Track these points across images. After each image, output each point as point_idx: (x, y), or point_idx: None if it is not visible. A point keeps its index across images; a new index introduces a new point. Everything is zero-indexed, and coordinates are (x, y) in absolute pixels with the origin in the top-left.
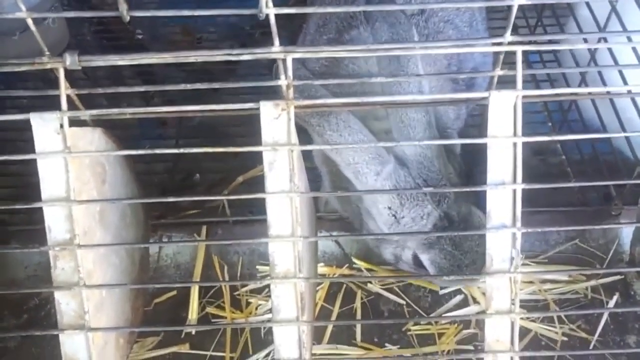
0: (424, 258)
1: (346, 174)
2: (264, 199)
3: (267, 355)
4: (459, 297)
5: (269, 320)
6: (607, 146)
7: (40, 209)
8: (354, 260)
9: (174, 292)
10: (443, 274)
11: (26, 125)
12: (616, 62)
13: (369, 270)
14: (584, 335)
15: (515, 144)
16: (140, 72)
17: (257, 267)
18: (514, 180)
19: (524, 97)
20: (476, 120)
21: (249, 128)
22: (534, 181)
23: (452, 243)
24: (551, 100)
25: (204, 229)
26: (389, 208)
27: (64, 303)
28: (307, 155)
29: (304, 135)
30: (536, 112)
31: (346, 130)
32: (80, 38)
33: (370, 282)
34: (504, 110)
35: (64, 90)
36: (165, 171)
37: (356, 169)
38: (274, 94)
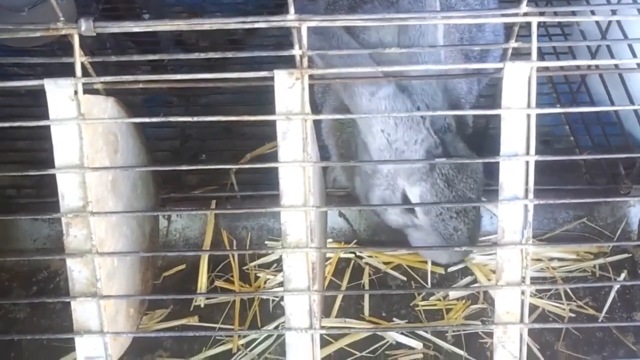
0: (413, 193)
1: (343, 98)
2: (271, 177)
3: (276, 327)
4: (468, 278)
5: (280, 291)
6: (617, 129)
7: (49, 183)
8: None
9: (183, 266)
10: (432, 219)
11: (33, 102)
12: (627, 38)
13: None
14: (591, 312)
15: (529, 116)
16: (147, 53)
17: (266, 242)
18: (527, 152)
19: (537, 70)
20: (488, 102)
21: (257, 108)
22: (540, 169)
23: (445, 179)
24: (562, 82)
25: (213, 203)
26: (382, 131)
27: (76, 270)
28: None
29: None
30: (545, 93)
31: (352, 57)
32: (87, 17)
33: (377, 258)
34: (518, 82)
35: (79, 57)
36: (172, 151)
37: (351, 90)
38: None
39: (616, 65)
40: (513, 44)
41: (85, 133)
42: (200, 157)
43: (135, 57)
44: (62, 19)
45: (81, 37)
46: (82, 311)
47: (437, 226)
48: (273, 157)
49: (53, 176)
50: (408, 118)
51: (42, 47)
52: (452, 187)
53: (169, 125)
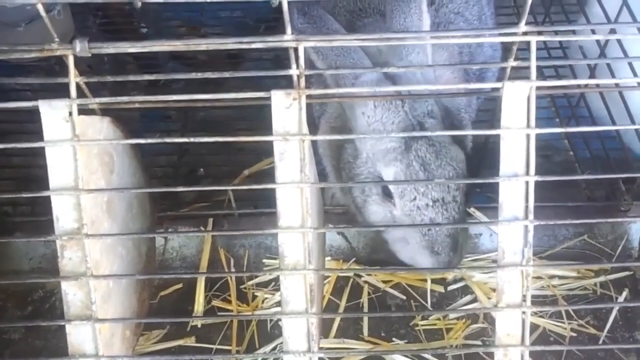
0: (387, 174)
1: (330, 85)
2: (269, 193)
3: (274, 349)
4: (468, 297)
5: (277, 312)
6: (616, 143)
7: (45, 201)
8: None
9: (180, 285)
10: (406, 204)
11: (29, 118)
12: (626, 56)
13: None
14: (592, 331)
15: (528, 136)
16: (145, 67)
17: (264, 260)
18: (527, 172)
19: (537, 89)
20: (487, 116)
21: (254, 123)
22: (540, 184)
23: (421, 162)
24: (560, 96)
25: (210, 221)
26: (363, 113)
27: (71, 293)
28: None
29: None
30: (543, 107)
31: (344, 50)
32: (85, 31)
33: (376, 276)
34: (517, 101)
35: (73, 78)
36: (169, 166)
37: (337, 75)
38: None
39: (616, 84)
40: (512, 63)
41: (80, 154)
42: (198, 171)
43: (131, 77)
44: (56, 40)
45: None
46: (77, 334)
47: (413, 215)
48: (271, 172)
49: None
50: (387, 101)
51: (38, 62)
52: (428, 171)
53: (166, 142)
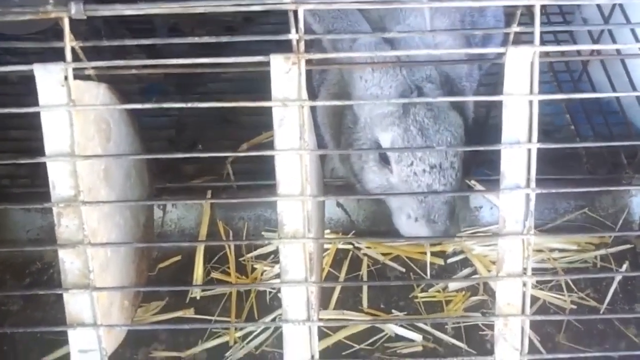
0: (384, 139)
1: (327, 50)
2: (268, 167)
3: (274, 319)
4: (468, 270)
5: (277, 282)
6: (619, 117)
7: (43, 173)
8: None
9: (179, 257)
10: (403, 169)
11: (25, 90)
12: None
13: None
14: (592, 303)
15: (531, 102)
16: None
17: (263, 232)
18: (529, 140)
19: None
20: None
21: (255, 96)
22: (540, 158)
23: (419, 127)
24: (563, 70)
25: (209, 193)
26: (360, 77)
27: (68, 262)
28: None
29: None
30: (546, 82)
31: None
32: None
33: (376, 248)
34: (520, 67)
35: (69, 41)
36: (168, 140)
37: (335, 39)
38: None
39: (618, 51)
40: (515, 28)
41: (76, 120)
42: (197, 146)
43: (128, 42)
44: (51, 1)
45: (74, 23)
46: (75, 303)
47: (409, 181)
48: (270, 146)
49: (47, 167)
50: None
51: (35, 35)
52: (426, 136)
53: (165, 115)
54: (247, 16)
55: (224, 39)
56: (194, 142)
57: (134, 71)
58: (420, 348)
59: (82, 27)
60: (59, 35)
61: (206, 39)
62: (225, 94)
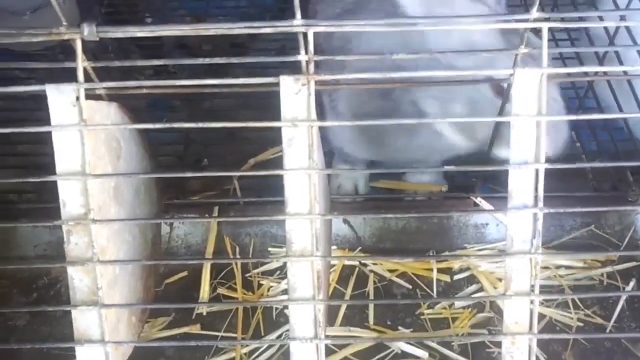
0: None
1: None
2: (275, 183)
3: (280, 336)
4: (474, 287)
5: (285, 299)
6: (624, 134)
7: (50, 189)
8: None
9: (185, 273)
10: None
11: (35, 105)
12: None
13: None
14: (599, 321)
15: (539, 123)
16: (150, 57)
17: (269, 249)
18: (537, 160)
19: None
20: None
21: (261, 113)
22: (546, 175)
23: None
24: (568, 87)
25: (216, 209)
26: None
27: (77, 279)
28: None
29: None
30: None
31: None
32: (89, 21)
33: (382, 265)
34: (528, 89)
35: (81, 62)
36: (175, 155)
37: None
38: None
39: (625, 72)
40: (523, 50)
41: (87, 139)
42: (203, 162)
43: (139, 63)
44: (64, 23)
45: (84, 41)
46: (83, 320)
47: None
48: (276, 162)
49: (54, 181)
50: None
51: (44, 51)
52: None
53: (172, 130)
54: (252, 33)
55: (234, 59)
56: (201, 156)
57: (144, 91)
58: None
59: (91, 43)
60: (67, 51)
61: (217, 60)
62: (233, 110)
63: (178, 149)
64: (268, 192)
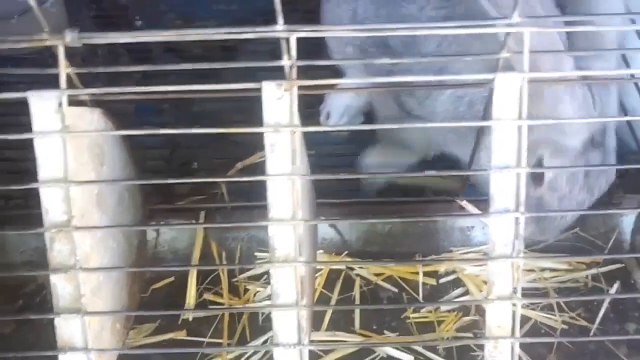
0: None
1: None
2: (263, 187)
3: (265, 341)
4: (460, 290)
5: (267, 305)
6: None
7: (37, 194)
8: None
9: (172, 279)
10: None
11: (20, 110)
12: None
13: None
14: (584, 323)
15: (520, 127)
16: (139, 61)
17: (256, 253)
18: (518, 164)
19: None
20: None
21: (249, 116)
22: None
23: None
24: None
25: (202, 214)
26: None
27: (60, 286)
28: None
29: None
30: None
31: None
32: (78, 24)
33: (368, 269)
34: (509, 93)
35: (64, 68)
36: (162, 159)
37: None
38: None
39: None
40: (505, 54)
41: (69, 146)
42: (192, 165)
43: (122, 69)
44: (46, 29)
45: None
46: (66, 328)
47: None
48: (264, 166)
49: None
50: (582, 97)
51: (32, 55)
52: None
53: (158, 135)
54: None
55: (216, 65)
56: (189, 160)
57: (128, 97)
58: None
59: (80, 47)
60: (56, 55)
61: (199, 65)
62: (224, 113)
63: (165, 152)
64: (257, 196)
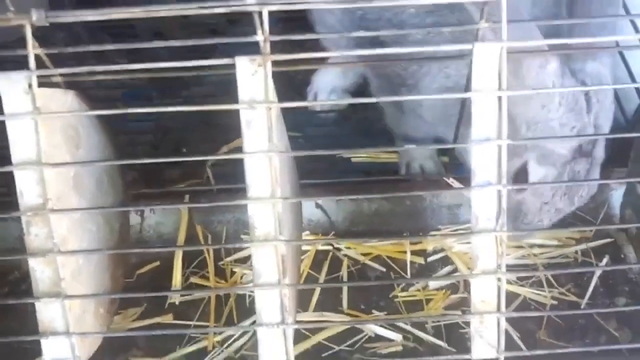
0: (536, 171)
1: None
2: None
3: (252, 323)
4: (448, 268)
5: (250, 286)
6: None
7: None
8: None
9: (157, 263)
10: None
11: None
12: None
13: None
14: (573, 298)
15: (500, 98)
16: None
17: (242, 236)
18: (499, 136)
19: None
20: None
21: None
22: None
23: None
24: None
25: (186, 197)
26: (544, 106)
27: (39, 270)
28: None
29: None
30: None
31: None
32: (59, 9)
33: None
34: (488, 63)
35: (32, 49)
36: (149, 145)
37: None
38: None
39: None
40: (483, 24)
41: (42, 128)
42: (182, 151)
43: (92, 48)
44: (12, 9)
45: (51, 30)
46: (47, 312)
47: None
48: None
49: None
50: (573, 100)
51: (15, 42)
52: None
53: (148, 119)
54: (231, 18)
55: (190, 42)
56: (177, 145)
57: (98, 77)
58: (400, 348)
59: (62, 33)
60: (40, 40)
61: (172, 43)
62: (211, 97)
63: (152, 138)
64: (242, 178)
